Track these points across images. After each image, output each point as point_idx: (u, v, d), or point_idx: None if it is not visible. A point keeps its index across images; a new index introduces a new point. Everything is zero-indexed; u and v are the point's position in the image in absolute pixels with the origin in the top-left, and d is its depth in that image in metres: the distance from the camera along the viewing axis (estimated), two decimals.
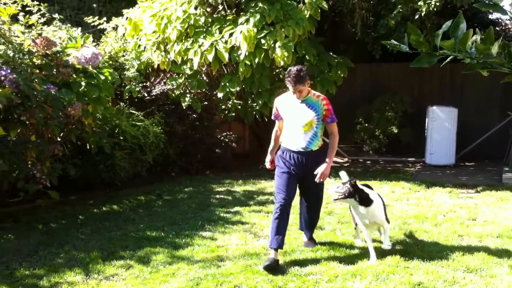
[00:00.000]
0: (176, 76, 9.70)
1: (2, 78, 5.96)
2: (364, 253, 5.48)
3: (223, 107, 10.01)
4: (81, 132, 7.76)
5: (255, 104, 9.70)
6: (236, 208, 7.26)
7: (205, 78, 10.16)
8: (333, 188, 5.33)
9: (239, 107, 10.03)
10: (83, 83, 7.32)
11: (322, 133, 5.44)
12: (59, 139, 7.45)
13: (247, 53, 8.76)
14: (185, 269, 5.03)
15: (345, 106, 11.96)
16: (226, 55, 8.82)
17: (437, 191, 8.30)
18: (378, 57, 11.70)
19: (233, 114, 10.07)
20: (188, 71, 9.42)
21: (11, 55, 6.56)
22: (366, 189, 5.37)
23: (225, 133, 10.34)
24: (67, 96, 6.97)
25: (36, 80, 6.67)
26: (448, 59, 2.75)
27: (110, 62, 9.24)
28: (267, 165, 5.68)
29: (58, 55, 7.20)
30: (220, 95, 9.51)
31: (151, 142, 8.67)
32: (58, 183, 7.12)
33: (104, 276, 4.93)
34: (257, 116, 9.98)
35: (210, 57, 8.83)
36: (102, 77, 7.50)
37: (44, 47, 6.96)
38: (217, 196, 8.14)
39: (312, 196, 5.66)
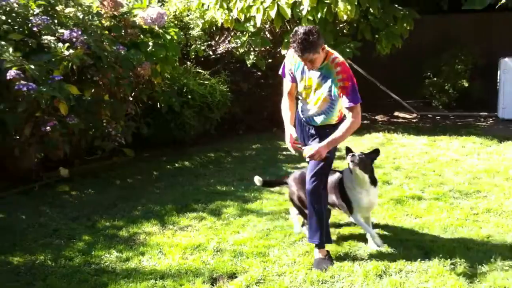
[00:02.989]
0: (240, 34, 9.75)
1: (74, 39, 6.19)
2: (432, 207, 5.48)
3: None
4: (151, 91, 8.01)
5: None
6: (303, 164, 7.33)
7: (268, 35, 10.17)
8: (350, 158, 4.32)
9: None
10: (150, 43, 7.49)
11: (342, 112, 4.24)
12: (131, 99, 7.72)
13: (309, 8, 8.66)
14: (254, 221, 5.22)
15: (412, 60, 11.67)
16: (289, 11, 8.75)
17: (509, 146, 8.07)
18: (446, 8, 11.28)
19: None
20: (251, 29, 9.45)
21: (80, 17, 6.79)
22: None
23: None
24: (136, 56, 7.16)
25: (106, 41, 6.89)
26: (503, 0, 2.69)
27: (175, 22, 9.39)
28: (290, 148, 4.30)
29: (125, 16, 7.39)
30: (284, 52, 9.50)
31: (218, 101, 8.83)
32: (132, 141, 7.47)
33: (179, 227, 5.20)
34: None
35: (273, 14, 8.79)
36: (168, 37, 7.65)
37: (112, 9, 7.14)
38: (284, 152, 8.25)
39: (311, 171, 4.30)
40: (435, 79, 11.42)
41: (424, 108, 11.52)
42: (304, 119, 4.39)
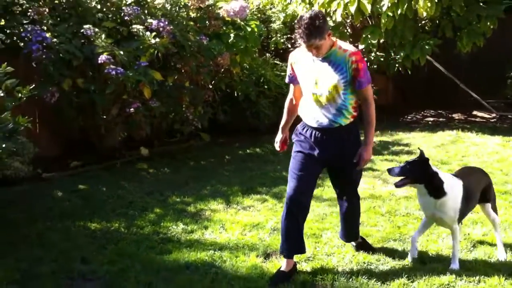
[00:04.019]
0: None
1: (161, 29, 6.70)
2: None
3: (365, 59, 10.12)
4: (230, 80, 8.45)
5: (398, 56, 9.72)
6: None
7: (349, 30, 10.34)
8: (396, 171, 4.04)
9: (382, 59, 10.11)
10: (232, 35, 7.90)
11: (357, 100, 4.00)
12: (210, 86, 8.20)
13: (389, 4, 8.76)
14: (313, 205, 5.42)
15: (495, 59, 11.34)
16: (369, 7, 8.88)
17: None
18: None
19: (376, 66, 10.16)
20: (331, 23, 9.65)
21: (168, 8, 7.30)
22: (444, 175, 4.09)
23: None
24: (217, 46, 7.61)
25: (191, 31, 7.36)
26: None
27: (259, 14, 9.77)
28: (276, 146, 4.46)
29: (210, 8, 7.85)
30: (361, 46, 9.64)
31: None
32: (209, 127, 7.98)
33: (242, 207, 5.60)
34: (399, 69, 10.01)
35: (353, 9, 8.96)
36: (249, 29, 8.02)
37: (198, 1, 7.60)
38: None
39: (344, 189, 4.30)
40: None
41: (505, 109, 11.21)
42: (317, 127, 4.02)
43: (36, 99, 6.29)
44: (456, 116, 10.88)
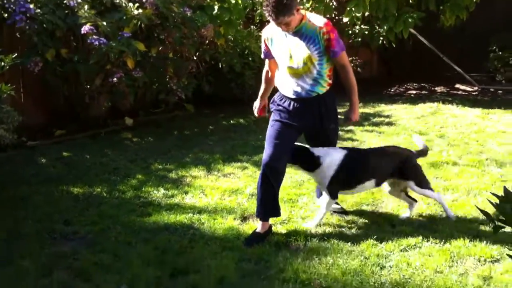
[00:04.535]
0: (305, 1, 10.03)
1: (144, 0, 6.76)
2: (463, 172, 5.70)
3: (350, 32, 10.24)
4: (214, 52, 8.53)
5: (382, 29, 9.82)
6: (350, 127, 7.66)
7: (334, 3, 10.41)
8: None
9: (366, 32, 10.21)
10: (216, 7, 7.97)
11: (331, 68, 4.18)
12: (194, 58, 8.28)
13: None
14: (291, 173, 5.58)
15: (480, 33, 11.47)
16: None
17: None
18: None
19: (360, 39, 10.27)
20: None
21: None
22: (319, 150, 4.34)
23: (350, 58, 10.59)
24: (201, 18, 7.67)
25: (174, 3, 7.41)
26: None
27: None
28: (255, 111, 4.76)
29: None
30: (345, 19, 9.74)
31: None
32: (194, 98, 8.08)
33: (223, 174, 5.76)
34: (384, 42, 10.12)
35: None
36: (233, 1, 8.10)
37: None
38: None
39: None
40: (500, 53, 11.26)
41: (487, 82, 11.39)
42: (295, 98, 4.19)
43: (20, 68, 6.41)
44: (438, 89, 11.05)
